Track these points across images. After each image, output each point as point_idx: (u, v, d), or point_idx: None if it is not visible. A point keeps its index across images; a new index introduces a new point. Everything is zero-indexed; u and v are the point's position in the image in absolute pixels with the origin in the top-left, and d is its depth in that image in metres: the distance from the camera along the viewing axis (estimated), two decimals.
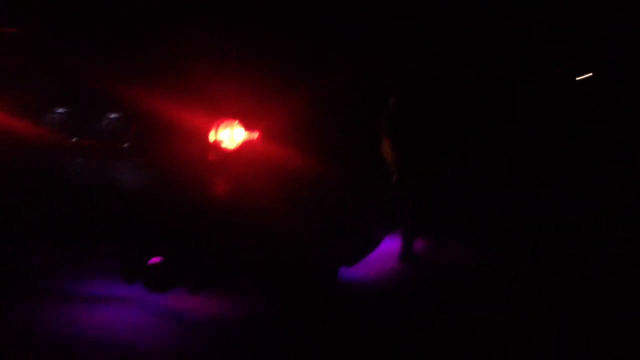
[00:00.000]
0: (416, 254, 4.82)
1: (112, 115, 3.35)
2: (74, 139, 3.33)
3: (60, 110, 3.40)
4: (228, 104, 3.37)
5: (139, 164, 3.27)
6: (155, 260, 3.29)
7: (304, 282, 3.62)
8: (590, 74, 5.70)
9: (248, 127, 3.38)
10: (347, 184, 3.81)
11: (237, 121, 3.34)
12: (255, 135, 3.39)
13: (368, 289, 4.24)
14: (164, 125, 3.28)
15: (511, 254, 4.92)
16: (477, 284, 4.31)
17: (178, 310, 3.58)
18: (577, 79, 5.80)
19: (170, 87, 3.31)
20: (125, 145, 3.29)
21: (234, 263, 3.36)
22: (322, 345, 3.30)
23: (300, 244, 3.51)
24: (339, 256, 3.86)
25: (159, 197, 3.25)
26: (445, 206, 5.14)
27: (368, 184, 4.11)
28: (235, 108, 3.38)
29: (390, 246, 4.96)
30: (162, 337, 3.33)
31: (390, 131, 4.36)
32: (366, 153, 4.16)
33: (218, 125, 3.31)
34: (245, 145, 3.36)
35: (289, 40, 3.73)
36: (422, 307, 3.87)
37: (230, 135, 3.33)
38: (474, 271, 4.60)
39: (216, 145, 3.31)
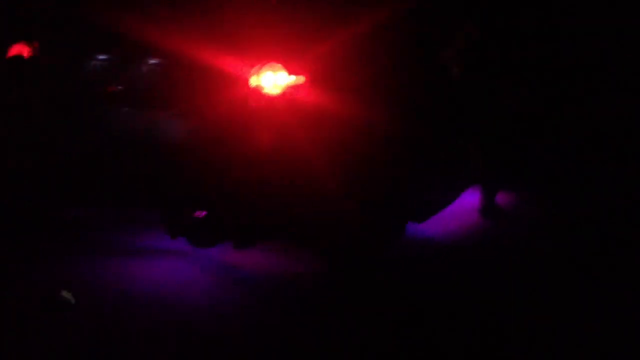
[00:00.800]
0: (497, 208, 4.45)
1: (151, 62, 3.19)
2: (113, 88, 3.20)
3: (100, 58, 3.27)
4: (272, 45, 3.12)
5: (178, 113, 3.09)
6: (199, 214, 3.13)
7: (360, 240, 3.36)
8: None
9: (293, 70, 3.12)
10: (409, 135, 3.48)
11: (280, 64, 3.08)
12: (301, 79, 3.13)
13: (436, 247, 3.93)
14: (203, 71, 3.07)
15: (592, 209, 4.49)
16: (554, 246, 3.91)
17: (231, 265, 3.42)
18: None
19: (209, 29, 3.10)
20: (164, 93, 3.11)
21: (280, 219, 3.14)
22: (368, 309, 3.04)
23: (350, 199, 3.24)
24: (403, 212, 3.56)
25: (199, 148, 3.06)
26: (520, 159, 4.72)
27: (438, 134, 3.76)
28: (279, 50, 3.12)
29: (473, 200, 4.64)
30: (215, 292, 3.18)
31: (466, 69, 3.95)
32: (435, 97, 3.79)
33: (260, 69, 3.07)
34: (291, 90, 3.11)
35: None
36: (487, 272, 3.51)
37: (273, 80, 3.09)
38: (552, 230, 4.21)
39: (257, 90, 3.07)
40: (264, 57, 3.09)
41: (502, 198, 4.61)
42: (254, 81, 3.07)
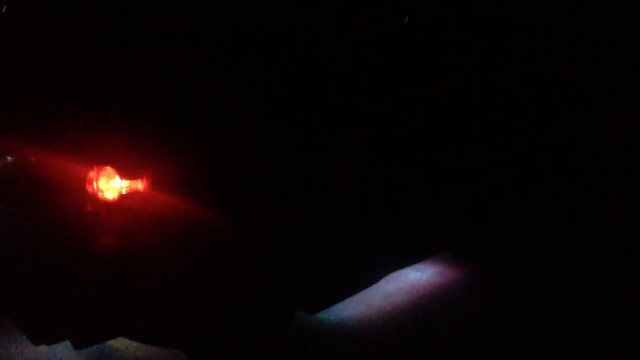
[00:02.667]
0: None
1: None
2: None
3: None
4: (110, 148, 3.12)
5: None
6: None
7: (218, 334, 3.32)
8: None
9: (130, 175, 3.10)
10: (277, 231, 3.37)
11: (114, 169, 3.07)
12: (138, 184, 3.11)
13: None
14: (39, 172, 3.14)
15: None
16: None
17: None
18: None
19: (46, 128, 3.15)
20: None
21: (119, 318, 3.17)
22: None
23: (197, 299, 3.19)
24: (275, 309, 3.46)
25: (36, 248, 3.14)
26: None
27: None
28: (117, 153, 3.11)
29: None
30: None
31: None
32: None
33: (96, 173, 3.08)
34: (127, 195, 3.09)
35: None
36: None
37: (109, 184, 3.09)
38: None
39: (94, 195, 3.09)
40: (102, 161, 3.08)
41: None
42: (90, 185, 3.08)
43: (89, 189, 3.08)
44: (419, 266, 4.47)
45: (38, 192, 3.16)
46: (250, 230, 3.27)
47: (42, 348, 3.36)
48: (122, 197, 3.09)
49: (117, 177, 3.07)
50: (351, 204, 3.73)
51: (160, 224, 3.11)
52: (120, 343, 3.54)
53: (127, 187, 3.09)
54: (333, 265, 3.76)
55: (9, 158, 3.25)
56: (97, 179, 3.08)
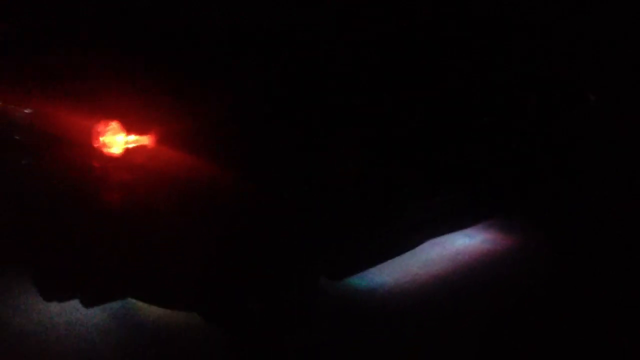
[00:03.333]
0: None
1: None
2: None
3: None
4: (116, 103, 3.00)
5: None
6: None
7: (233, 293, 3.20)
8: None
9: (136, 130, 2.98)
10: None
11: (120, 124, 2.96)
12: (145, 139, 2.98)
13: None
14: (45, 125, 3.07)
15: None
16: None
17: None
18: None
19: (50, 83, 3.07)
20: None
21: (129, 276, 3.09)
22: None
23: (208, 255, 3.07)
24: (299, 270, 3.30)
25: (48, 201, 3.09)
26: None
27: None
28: (124, 109, 2.99)
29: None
30: None
31: None
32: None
33: (102, 128, 2.98)
34: (133, 151, 2.98)
35: None
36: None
37: (115, 140, 2.98)
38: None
39: (100, 150, 2.99)
40: (108, 115, 2.98)
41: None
42: (96, 140, 2.98)
43: (95, 144, 2.98)
44: (470, 231, 4.15)
45: (47, 146, 3.08)
46: (262, 187, 3.09)
47: (70, 305, 3.32)
48: (128, 152, 2.97)
49: (124, 132, 2.95)
50: (382, 159, 3.49)
51: (167, 179, 2.99)
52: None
53: (133, 142, 2.97)
54: (362, 228, 3.53)
55: (23, 110, 3.18)
56: (103, 134, 2.97)
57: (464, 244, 4.08)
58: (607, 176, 4.54)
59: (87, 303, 3.13)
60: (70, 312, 3.38)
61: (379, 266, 3.75)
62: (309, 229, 3.31)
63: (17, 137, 3.22)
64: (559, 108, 4.32)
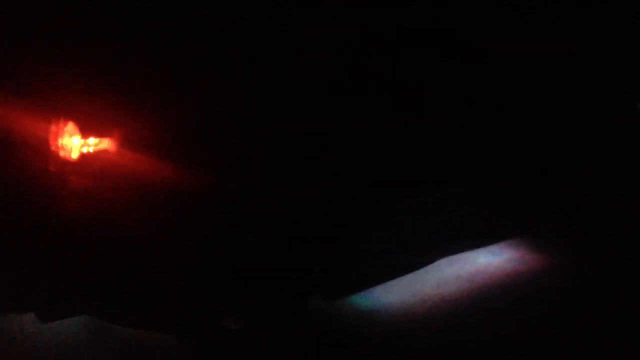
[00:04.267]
0: None
1: None
2: None
3: None
4: (77, 105, 2.74)
5: None
6: None
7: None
8: None
9: (95, 133, 2.71)
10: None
11: (77, 127, 2.69)
12: (105, 142, 2.71)
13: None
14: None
15: None
16: None
17: None
18: None
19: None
20: None
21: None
22: None
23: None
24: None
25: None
26: None
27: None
28: (84, 110, 2.73)
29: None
30: None
31: None
32: None
33: (59, 130, 2.72)
34: (95, 154, 2.71)
35: None
36: None
37: (72, 143, 2.72)
38: None
39: (56, 153, 2.73)
40: (65, 116, 2.71)
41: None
42: (53, 143, 2.72)
43: (52, 147, 2.71)
44: (494, 249, 3.72)
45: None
46: (237, 194, 2.78)
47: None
48: (86, 156, 2.69)
49: (80, 135, 2.68)
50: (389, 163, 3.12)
51: (131, 187, 2.72)
52: None
53: (93, 145, 2.69)
54: (362, 243, 3.19)
55: None
56: (60, 136, 2.70)
57: (485, 262, 3.64)
58: None
59: (43, 318, 2.89)
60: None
61: (386, 284, 3.38)
62: (294, 240, 2.98)
63: None
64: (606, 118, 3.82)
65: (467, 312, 3.40)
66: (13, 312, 2.95)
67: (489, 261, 3.73)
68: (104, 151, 2.70)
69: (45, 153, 2.72)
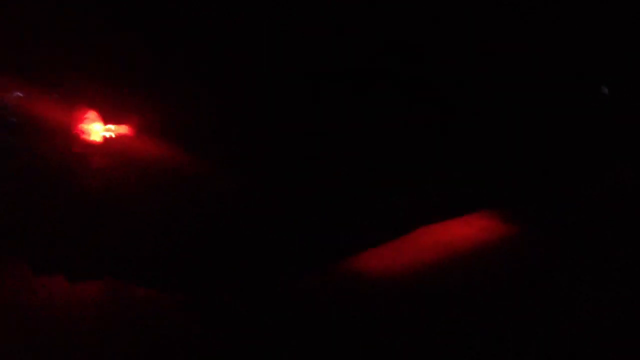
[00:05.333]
0: None
1: None
2: None
3: None
4: (97, 92, 3.13)
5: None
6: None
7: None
8: None
9: (114, 120, 3.10)
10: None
11: (98, 113, 3.09)
12: (123, 128, 3.10)
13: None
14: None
15: None
16: None
17: None
18: None
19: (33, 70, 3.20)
20: None
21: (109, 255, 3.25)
22: None
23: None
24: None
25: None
26: None
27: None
28: (104, 97, 3.12)
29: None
30: None
31: None
32: None
33: (82, 116, 3.12)
34: (113, 138, 3.11)
35: None
36: None
37: (94, 128, 3.12)
38: None
39: (80, 136, 3.13)
40: (88, 105, 3.10)
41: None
42: (76, 128, 3.12)
43: (77, 132, 3.11)
44: (468, 219, 4.09)
45: (34, 128, 3.22)
46: (236, 176, 3.17)
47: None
48: (107, 140, 3.09)
49: (101, 121, 3.07)
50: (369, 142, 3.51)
51: (145, 166, 3.11)
52: None
53: (112, 130, 3.09)
54: (350, 216, 3.56)
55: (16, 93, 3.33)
56: (84, 122, 3.10)
57: (460, 231, 4.03)
58: (612, 170, 4.38)
59: (71, 279, 3.30)
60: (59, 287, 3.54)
61: (371, 251, 3.73)
62: (294, 214, 3.36)
63: (12, 120, 3.38)
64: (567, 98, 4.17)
65: (444, 275, 3.78)
66: (45, 275, 3.34)
67: (463, 230, 4.12)
68: (121, 135, 3.09)
69: (71, 137, 3.10)
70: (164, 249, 3.20)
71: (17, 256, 3.36)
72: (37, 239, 3.26)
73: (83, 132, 3.08)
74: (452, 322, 3.32)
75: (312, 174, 3.37)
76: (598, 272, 3.73)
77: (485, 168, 3.94)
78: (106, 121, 3.08)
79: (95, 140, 3.08)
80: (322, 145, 3.40)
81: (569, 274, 3.73)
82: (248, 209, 3.27)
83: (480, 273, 3.75)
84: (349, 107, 3.43)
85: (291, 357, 3.12)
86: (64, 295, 3.43)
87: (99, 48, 3.15)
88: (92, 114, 3.07)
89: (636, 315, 3.35)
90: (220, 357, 3.15)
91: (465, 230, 4.06)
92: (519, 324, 3.31)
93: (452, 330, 3.27)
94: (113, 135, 3.09)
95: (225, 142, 3.16)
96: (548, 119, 4.10)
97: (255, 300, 3.41)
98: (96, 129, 3.07)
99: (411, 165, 3.70)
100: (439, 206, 3.88)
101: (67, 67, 3.17)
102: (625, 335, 3.22)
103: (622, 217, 4.11)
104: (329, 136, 3.40)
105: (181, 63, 3.16)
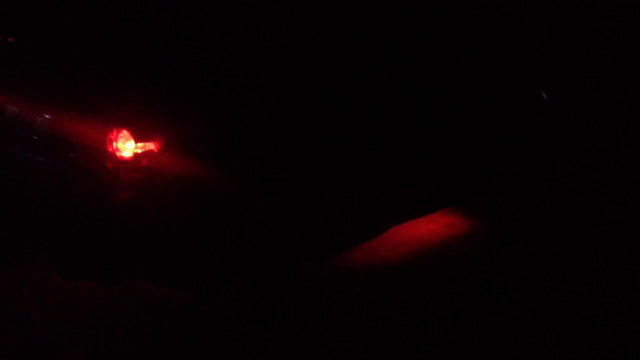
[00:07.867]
0: None
1: None
2: None
3: None
4: (127, 112, 3.51)
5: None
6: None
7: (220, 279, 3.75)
8: None
9: (144, 137, 3.49)
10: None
11: (129, 132, 3.47)
12: (151, 145, 3.49)
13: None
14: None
15: None
16: None
17: None
18: None
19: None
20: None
21: (137, 262, 3.63)
22: None
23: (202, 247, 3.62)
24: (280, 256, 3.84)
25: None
26: None
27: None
28: (133, 117, 3.50)
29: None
30: None
31: None
32: None
33: (114, 135, 3.49)
34: (142, 155, 3.49)
35: None
36: None
37: (126, 145, 3.49)
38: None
39: (113, 154, 3.50)
40: (120, 124, 3.48)
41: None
42: (110, 145, 3.49)
43: (109, 149, 3.48)
44: (434, 217, 4.68)
45: (64, 149, 3.57)
46: (257, 192, 3.62)
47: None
48: (137, 156, 3.48)
49: (133, 139, 3.45)
50: (355, 154, 4.01)
51: (171, 180, 3.51)
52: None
53: (141, 147, 3.48)
54: (337, 216, 4.05)
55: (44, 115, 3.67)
56: (115, 140, 3.47)
57: (427, 229, 4.61)
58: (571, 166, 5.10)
59: (100, 284, 3.68)
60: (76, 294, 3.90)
61: (351, 250, 4.26)
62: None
63: (35, 138, 3.71)
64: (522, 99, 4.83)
65: (416, 268, 4.36)
66: (77, 280, 3.69)
67: (429, 227, 4.72)
68: (150, 152, 3.48)
69: (105, 154, 3.48)
70: (180, 252, 3.60)
71: (48, 262, 3.70)
72: (70, 246, 3.61)
73: (117, 150, 3.44)
74: (425, 309, 3.88)
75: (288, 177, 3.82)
76: (559, 259, 4.39)
77: (442, 169, 4.52)
78: (137, 139, 3.45)
79: (127, 157, 3.45)
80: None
81: (532, 261, 4.37)
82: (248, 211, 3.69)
83: (447, 264, 4.34)
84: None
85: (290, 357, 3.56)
86: (93, 298, 3.79)
87: (130, 77, 3.54)
88: (124, 133, 3.44)
89: (599, 300, 3.94)
90: (220, 357, 3.57)
91: (431, 227, 4.65)
92: (491, 308, 3.90)
93: (424, 317, 3.82)
94: (140, 152, 3.45)
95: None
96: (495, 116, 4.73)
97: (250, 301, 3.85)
98: (128, 147, 3.45)
99: (382, 170, 4.22)
100: (407, 207, 4.43)
101: (98, 88, 3.53)
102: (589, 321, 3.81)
103: (572, 205, 4.82)
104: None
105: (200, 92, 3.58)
